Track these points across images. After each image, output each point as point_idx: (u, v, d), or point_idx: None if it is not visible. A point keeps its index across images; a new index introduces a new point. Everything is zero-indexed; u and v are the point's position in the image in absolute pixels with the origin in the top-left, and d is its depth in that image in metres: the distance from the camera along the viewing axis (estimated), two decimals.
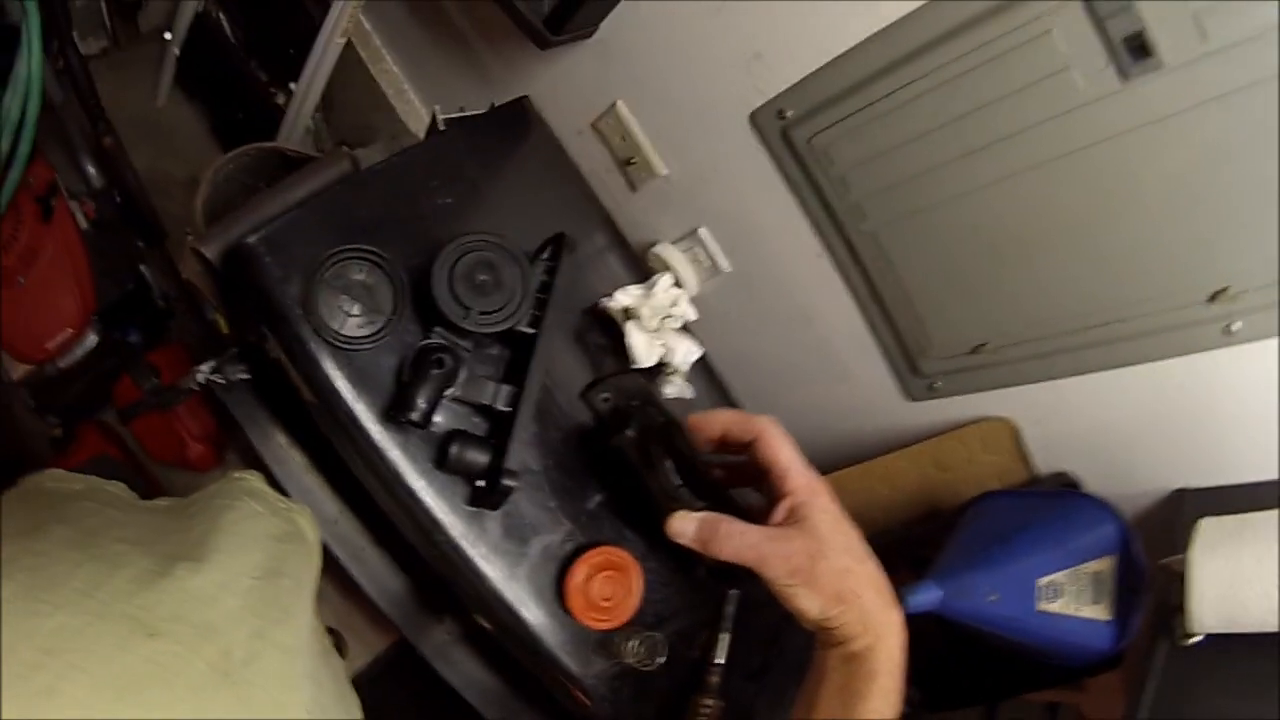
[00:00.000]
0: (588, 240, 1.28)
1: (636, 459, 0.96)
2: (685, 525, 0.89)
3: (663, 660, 1.05)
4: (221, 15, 1.90)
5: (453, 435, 0.96)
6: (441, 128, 1.25)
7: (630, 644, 1.04)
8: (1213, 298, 0.99)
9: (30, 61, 1.46)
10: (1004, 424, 1.27)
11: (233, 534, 0.93)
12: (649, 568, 1.07)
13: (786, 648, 1.21)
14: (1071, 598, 1.08)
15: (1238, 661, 0.93)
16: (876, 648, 0.81)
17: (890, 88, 1.04)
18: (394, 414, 0.93)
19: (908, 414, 1.37)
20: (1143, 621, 1.05)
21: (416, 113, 1.81)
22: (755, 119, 1.20)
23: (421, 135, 1.44)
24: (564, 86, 1.41)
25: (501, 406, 0.98)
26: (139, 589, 0.76)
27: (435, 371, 0.94)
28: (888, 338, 1.30)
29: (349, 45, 1.73)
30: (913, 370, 1.30)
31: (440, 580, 1.07)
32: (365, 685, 1.63)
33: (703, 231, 1.39)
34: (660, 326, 1.19)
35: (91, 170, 1.82)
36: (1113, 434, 1.19)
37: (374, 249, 0.96)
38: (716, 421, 0.94)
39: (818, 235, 1.26)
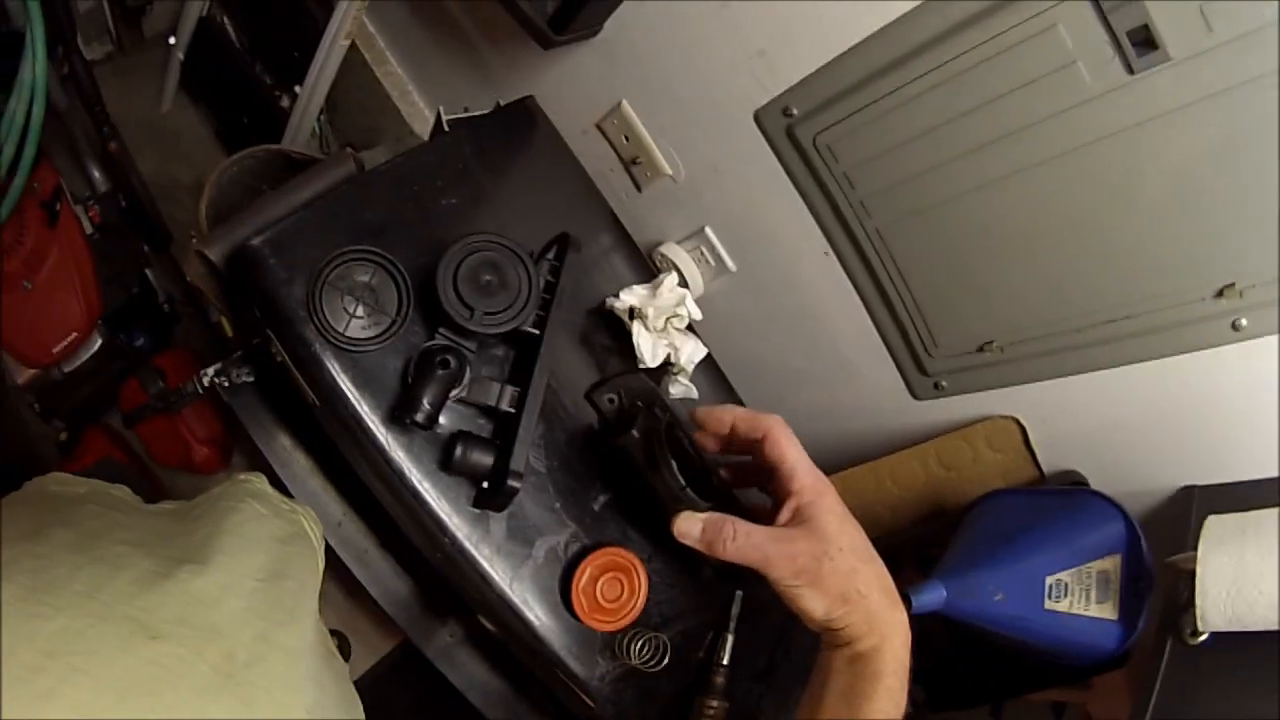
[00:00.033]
0: (593, 240, 1.28)
1: (641, 460, 0.95)
2: (690, 526, 0.89)
3: (667, 661, 1.05)
4: (226, 19, 1.91)
5: (457, 437, 0.96)
6: (446, 128, 1.25)
7: (635, 645, 1.04)
8: (1220, 293, 0.98)
9: (35, 67, 1.47)
10: (1010, 422, 1.26)
11: (236, 536, 0.92)
12: (654, 569, 1.07)
13: (792, 648, 1.21)
14: (1078, 596, 1.07)
15: (1244, 660, 0.92)
16: (882, 648, 0.81)
17: (895, 84, 1.04)
18: (399, 415, 0.93)
19: (914, 413, 1.37)
20: (1149, 620, 1.05)
21: (421, 114, 1.81)
22: (760, 117, 1.20)
23: (426, 136, 1.44)
24: (568, 86, 1.41)
25: (506, 407, 0.98)
26: (141, 591, 0.76)
27: (440, 373, 0.93)
28: (894, 336, 1.29)
29: (353, 47, 1.73)
30: (919, 369, 1.30)
31: (444, 582, 1.07)
32: (370, 687, 1.64)
33: (708, 231, 1.39)
34: (665, 326, 1.19)
35: (97, 175, 1.83)
36: (1119, 431, 1.18)
37: (378, 250, 0.96)
38: (725, 417, 0.94)
39: (823, 234, 1.25)
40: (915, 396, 1.35)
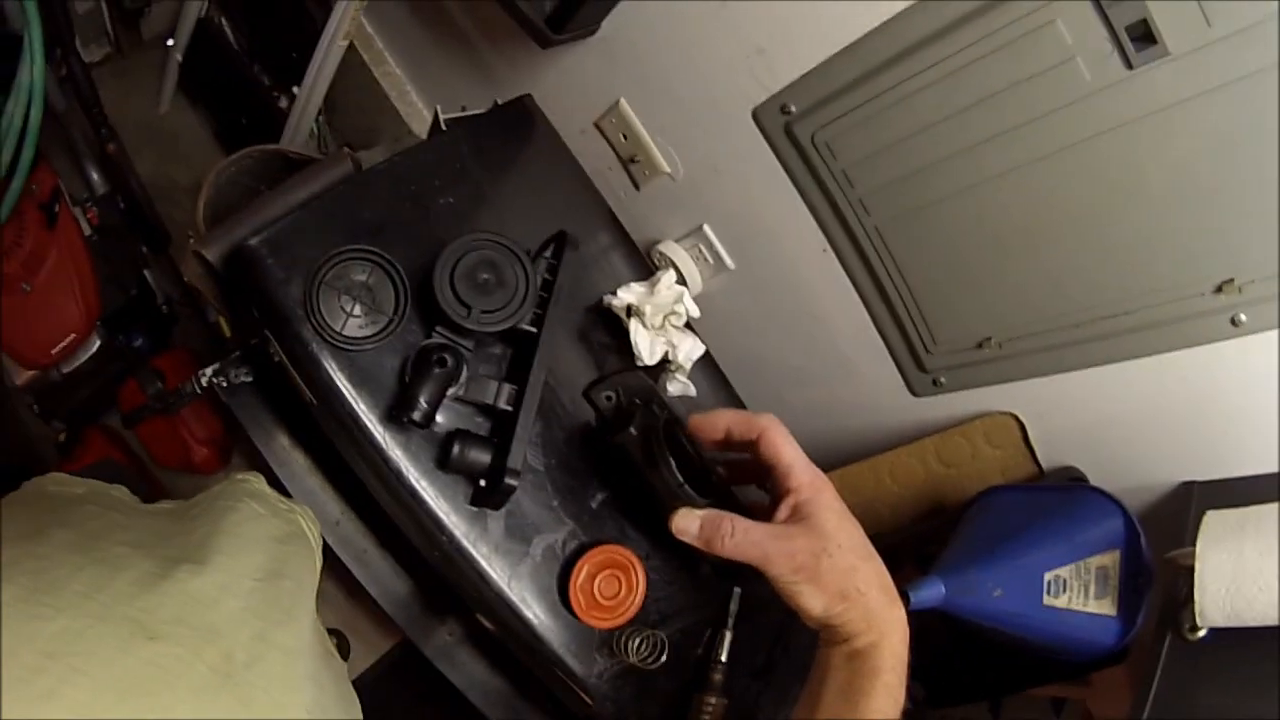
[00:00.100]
0: (591, 238, 1.28)
1: (639, 457, 0.95)
2: (689, 523, 0.89)
3: (666, 659, 1.05)
4: (224, 20, 1.91)
5: (455, 435, 0.96)
6: (444, 127, 1.25)
7: (633, 643, 1.04)
8: (1219, 289, 0.98)
9: (33, 69, 1.47)
10: (1009, 419, 1.26)
11: (234, 536, 0.92)
12: (652, 566, 1.07)
13: (790, 646, 1.20)
14: (1077, 592, 1.07)
15: (1243, 656, 0.92)
16: (880, 645, 0.81)
17: (894, 81, 1.04)
18: (396, 414, 0.93)
19: (912, 409, 1.37)
20: (1149, 616, 1.05)
21: (419, 114, 1.82)
22: (758, 115, 1.20)
23: (424, 136, 1.44)
24: (566, 85, 1.41)
25: (504, 406, 0.98)
26: (140, 591, 0.76)
27: (437, 371, 0.93)
28: (892, 333, 1.29)
29: (351, 48, 1.73)
30: (917, 365, 1.30)
31: (443, 581, 1.07)
32: (369, 686, 1.64)
33: (707, 229, 1.39)
34: (663, 324, 1.19)
35: (95, 176, 1.83)
36: (1118, 427, 1.18)
37: (376, 249, 0.96)
38: (718, 422, 0.94)
39: (822, 231, 1.25)
40: (914, 393, 1.35)
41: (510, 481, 0.93)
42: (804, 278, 1.33)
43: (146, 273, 1.87)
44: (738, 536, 0.85)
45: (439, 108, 1.27)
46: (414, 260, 0.97)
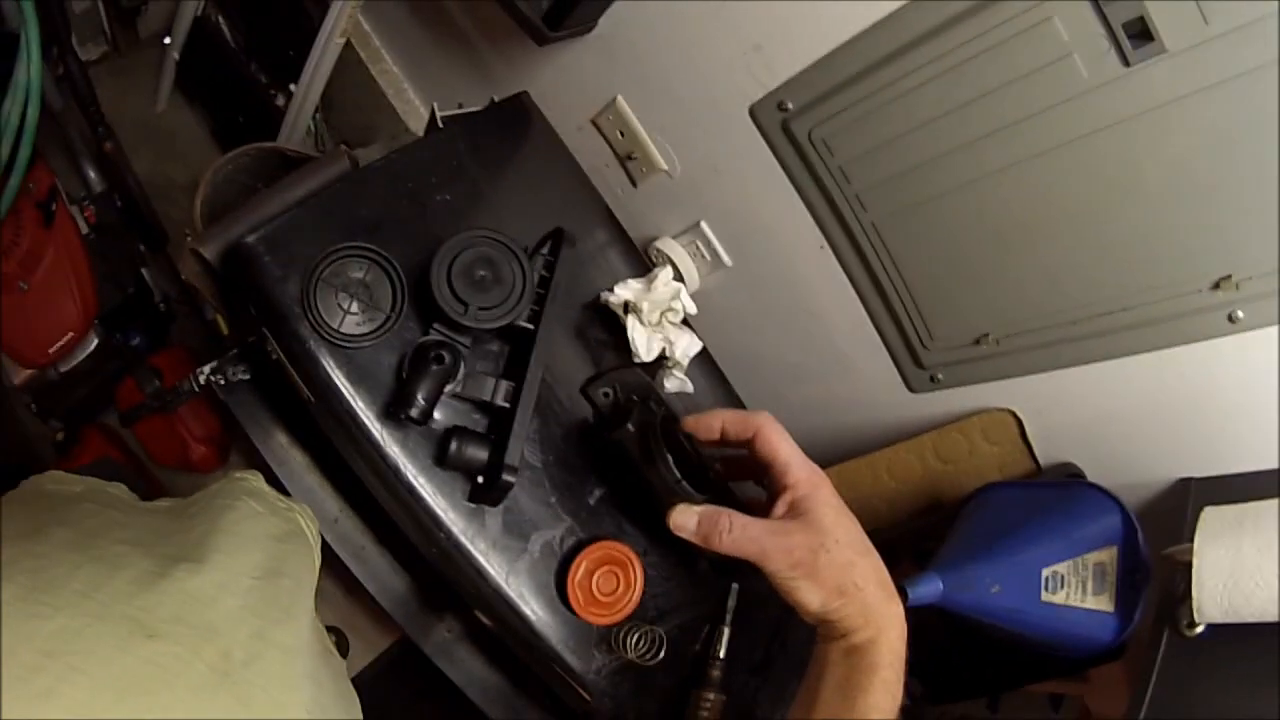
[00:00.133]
0: (588, 235, 1.28)
1: (637, 453, 0.95)
2: (686, 519, 0.89)
3: (664, 655, 1.05)
4: (221, 19, 1.90)
5: (452, 432, 0.96)
6: (440, 125, 1.25)
7: (631, 639, 1.04)
8: (1216, 285, 0.98)
9: (29, 68, 1.46)
10: (1006, 415, 1.26)
11: (233, 534, 0.92)
12: (650, 562, 1.07)
13: (788, 641, 1.20)
14: (1074, 588, 1.07)
15: (1241, 652, 0.92)
16: (878, 640, 0.81)
17: (891, 78, 1.04)
18: (394, 411, 0.93)
19: (910, 406, 1.37)
20: (1146, 612, 1.05)
21: (416, 112, 1.82)
22: (755, 112, 1.20)
23: (421, 134, 1.44)
24: (564, 82, 1.41)
25: (501, 402, 0.98)
26: (139, 590, 0.76)
27: (434, 368, 0.93)
28: (890, 329, 1.29)
29: (348, 45, 1.73)
30: (915, 362, 1.30)
31: (441, 577, 1.07)
32: (368, 683, 1.64)
33: (704, 225, 1.39)
34: (660, 321, 1.19)
35: (92, 175, 1.83)
36: (1116, 423, 1.18)
37: (373, 246, 0.96)
38: (713, 422, 0.94)
39: (819, 227, 1.25)
40: (911, 390, 1.35)
41: (508, 478, 0.93)
42: (801, 274, 1.33)
43: (144, 271, 1.87)
44: (735, 532, 0.85)
45: (436, 105, 1.27)
46: (411, 257, 0.97)
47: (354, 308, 0.95)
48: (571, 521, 1.05)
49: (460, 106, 1.29)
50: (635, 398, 1.03)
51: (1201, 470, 1.14)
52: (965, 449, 1.32)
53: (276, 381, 1.08)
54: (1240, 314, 0.98)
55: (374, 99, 1.83)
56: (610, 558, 1.02)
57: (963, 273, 1.16)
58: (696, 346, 1.24)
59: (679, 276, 1.36)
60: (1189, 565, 0.93)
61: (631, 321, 1.17)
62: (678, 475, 0.91)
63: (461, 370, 0.98)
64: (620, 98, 1.35)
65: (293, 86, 1.80)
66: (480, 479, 0.97)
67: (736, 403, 1.42)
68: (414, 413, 0.90)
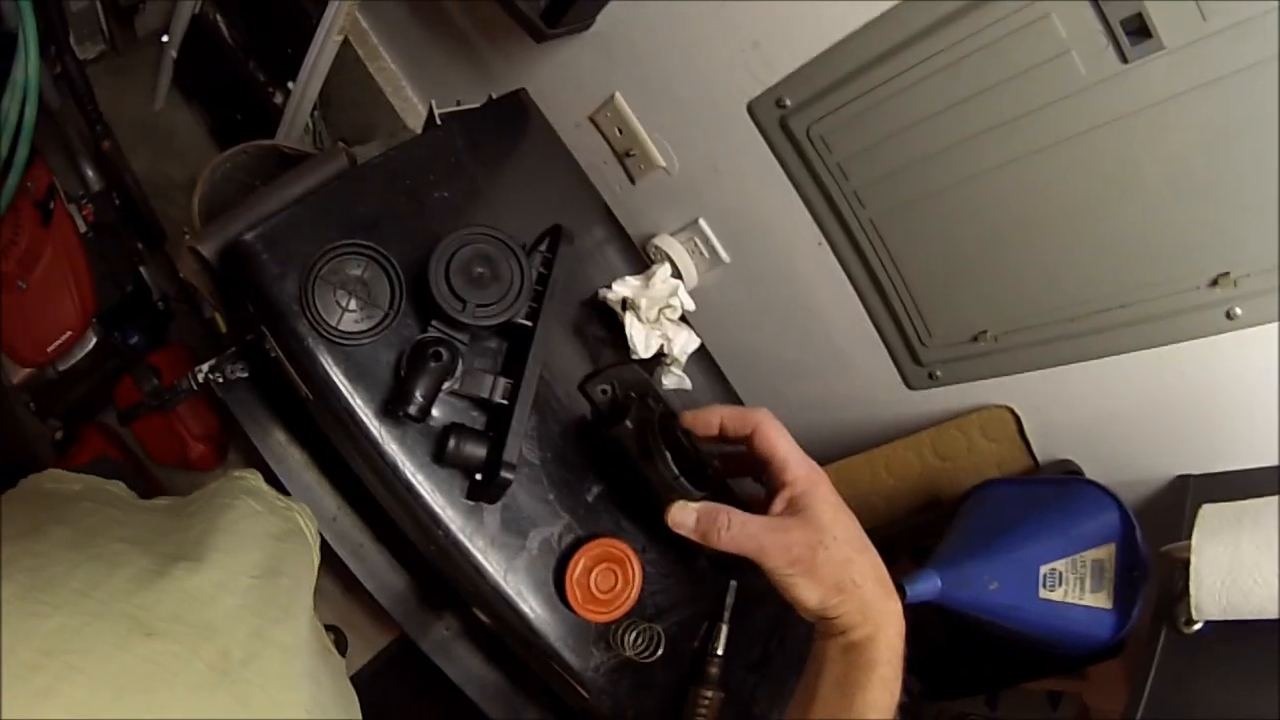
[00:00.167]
0: (586, 232, 1.28)
1: (635, 450, 0.95)
2: (684, 516, 0.89)
3: (662, 652, 1.05)
4: (218, 17, 1.90)
5: (450, 429, 0.96)
6: (438, 122, 1.25)
7: (630, 636, 1.04)
8: (1214, 282, 0.98)
9: (27, 66, 1.46)
10: (1005, 412, 1.27)
11: (231, 533, 0.92)
12: (648, 559, 1.07)
13: (787, 639, 1.21)
14: (1072, 586, 1.07)
15: (1239, 649, 0.93)
16: (876, 637, 0.81)
17: (889, 74, 1.04)
18: (392, 408, 0.93)
19: (908, 403, 1.37)
20: (1144, 609, 1.05)
21: (414, 109, 1.81)
22: (753, 109, 1.20)
23: (419, 131, 1.44)
24: (561, 79, 1.41)
25: (499, 399, 0.98)
26: (137, 588, 0.76)
27: (432, 365, 0.93)
28: (888, 326, 1.29)
29: (346, 43, 1.73)
30: (913, 359, 1.30)
31: (440, 575, 1.07)
32: (367, 681, 1.64)
33: (702, 222, 1.39)
34: (658, 317, 1.19)
35: (90, 174, 1.83)
36: (1114, 420, 1.18)
37: (371, 244, 0.96)
38: (712, 418, 0.94)
39: (817, 224, 1.25)
40: (910, 386, 1.35)
41: (506, 475, 0.93)
42: (799, 271, 1.33)
43: (142, 269, 1.87)
44: (734, 529, 0.85)
45: (434, 102, 1.27)
46: (409, 255, 0.97)
47: (352, 305, 0.95)
48: (570, 519, 1.05)
49: (458, 104, 1.30)
50: (633, 394, 1.03)
51: (1199, 467, 1.14)
52: (963, 446, 1.32)
53: (275, 379, 1.08)
54: (1238, 311, 0.98)
55: (372, 96, 1.82)
56: (608, 555, 1.03)
57: (961, 270, 1.16)
58: (694, 343, 1.24)
59: (677, 273, 1.36)
60: (1187, 562, 0.93)
61: (629, 318, 1.17)
62: (676, 472, 0.91)
63: (460, 367, 0.98)
64: (618, 95, 1.35)
65: (291, 84, 1.79)
66: (478, 476, 0.97)
67: (735, 400, 1.42)
68: (412, 410, 0.90)
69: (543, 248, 1.07)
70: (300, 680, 0.85)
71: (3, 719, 0.58)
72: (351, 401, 0.94)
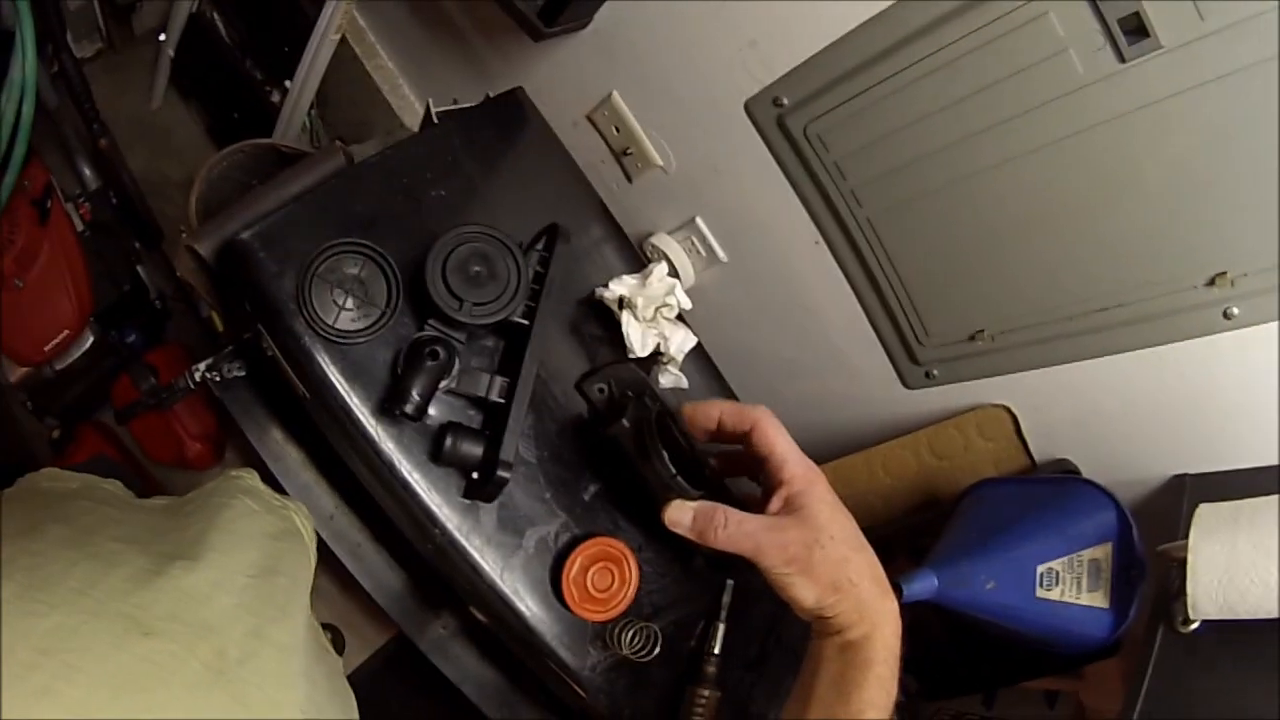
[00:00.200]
0: (583, 231, 1.28)
1: (632, 449, 0.95)
2: (681, 515, 0.89)
3: (659, 651, 1.05)
4: (216, 15, 1.90)
5: (447, 428, 0.96)
6: (435, 120, 1.25)
7: (626, 635, 1.04)
8: (1211, 282, 0.98)
9: (24, 65, 1.46)
10: (1002, 411, 1.27)
11: (228, 532, 0.93)
12: (645, 558, 1.07)
13: (784, 637, 1.21)
14: (1069, 585, 1.07)
15: (1236, 648, 0.93)
16: (873, 636, 0.81)
17: (887, 73, 1.04)
18: (388, 407, 0.93)
19: (905, 402, 1.37)
20: (1141, 608, 1.05)
21: (412, 108, 1.81)
22: (751, 107, 1.20)
23: (416, 129, 1.44)
24: (559, 78, 1.40)
25: (496, 398, 0.98)
26: (135, 588, 0.76)
27: (429, 364, 0.93)
28: (885, 325, 1.29)
29: (343, 42, 1.73)
30: (910, 358, 1.30)
31: (437, 574, 1.07)
32: (364, 680, 1.64)
33: (700, 221, 1.39)
34: (655, 316, 1.19)
35: (88, 172, 1.83)
36: (1111, 420, 1.18)
37: (368, 242, 0.96)
38: (711, 411, 0.94)
39: (814, 223, 1.25)
40: (907, 385, 1.35)
41: (502, 474, 0.93)
42: (796, 270, 1.33)
43: (139, 268, 1.87)
44: (730, 528, 0.85)
45: (431, 101, 1.27)
46: (406, 253, 0.97)
47: (349, 304, 0.95)
48: (566, 517, 1.05)
49: (455, 102, 1.29)
50: (630, 393, 1.03)
51: (1196, 467, 1.14)
52: (960, 445, 1.32)
53: (272, 378, 1.08)
54: (1235, 310, 0.98)
55: (369, 95, 1.82)
56: (605, 554, 1.02)
57: (958, 268, 1.16)
58: (691, 342, 1.24)
59: (674, 272, 1.36)
60: (1184, 562, 0.93)
61: (626, 317, 1.17)
62: (673, 471, 0.91)
63: (456, 366, 0.97)
64: (616, 93, 1.35)
65: (288, 83, 1.79)
66: (475, 475, 0.97)
67: (731, 398, 1.42)
68: (409, 409, 0.90)
69: (539, 246, 1.07)
70: (297, 679, 0.85)
71: (1, 719, 0.58)
72: (348, 400, 0.94)
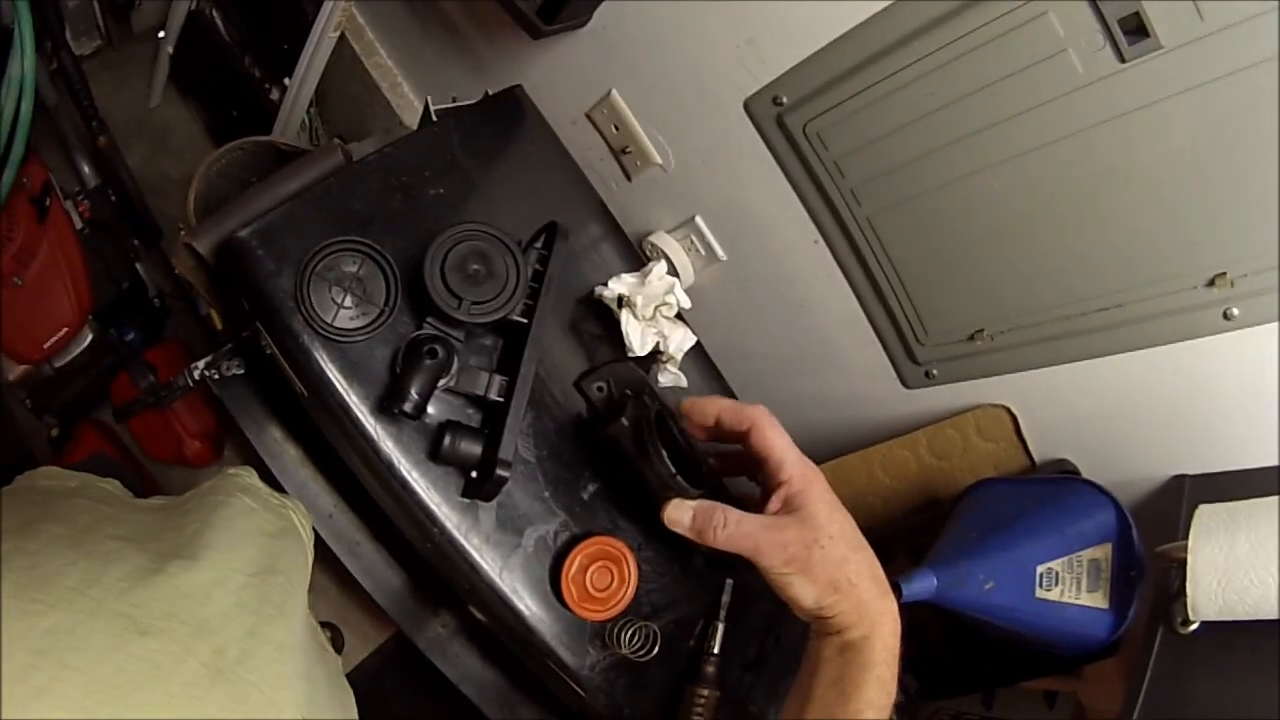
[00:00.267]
0: (582, 230, 1.28)
1: (631, 448, 0.95)
2: (681, 514, 0.89)
3: (658, 651, 1.05)
4: (215, 13, 1.90)
5: (446, 426, 0.95)
6: (434, 118, 1.25)
7: (625, 634, 1.04)
8: (1211, 282, 0.98)
9: (23, 62, 1.46)
10: (1001, 411, 1.26)
11: (226, 531, 0.93)
12: (644, 558, 1.07)
13: (783, 638, 1.21)
14: (1069, 585, 1.07)
15: (1235, 649, 0.93)
16: (872, 637, 0.81)
17: (886, 72, 1.03)
18: (387, 405, 0.93)
19: (905, 402, 1.37)
20: (1141, 609, 1.05)
21: (411, 106, 1.81)
22: (750, 106, 1.19)
23: (415, 127, 1.44)
24: (558, 76, 1.40)
25: (495, 397, 0.98)
26: (132, 587, 0.76)
27: (428, 362, 0.93)
28: (884, 324, 1.29)
29: (342, 39, 1.73)
30: (909, 357, 1.30)
31: (435, 573, 1.07)
32: (363, 679, 1.64)
33: (699, 220, 1.39)
34: (654, 315, 1.19)
35: (86, 170, 1.83)
36: (1111, 420, 1.18)
37: (366, 240, 0.95)
38: (710, 409, 0.93)
39: (814, 222, 1.25)
40: (906, 385, 1.35)
41: (501, 473, 0.93)
42: (796, 269, 1.33)
43: (138, 266, 1.87)
44: (730, 528, 0.85)
45: (430, 98, 1.27)
46: (405, 251, 0.97)
47: (347, 302, 0.94)
48: (565, 516, 1.05)
49: (454, 100, 1.29)
50: (629, 392, 1.03)
51: (1196, 467, 1.14)
52: (960, 445, 1.32)
53: (270, 376, 1.08)
54: (1235, 311, 0.98)
55: (368, 93, 1.82)
56: (604, 553, 1.02)
57: (957, 268, 1.16)
58: (690, 341, 1.23)
59: (673, 271, 1.36)
60: (1183, 562, 0.93)
61: (625, 316, 1.17)
62: (672, 470, 0.91)
63: (455, 365, 0.97)
64: (615, 92, 1.34)
65: (287, 80, 1.79)
66: (474, 474, 0.97)
67: (730, 397, 1.42)
68: (407, 407, 0.90)
69: (538, 245, 1.07)
70: (295, 678, 0.85)
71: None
72: (347, 398, 0.94)
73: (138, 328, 1.86)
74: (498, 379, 0.98)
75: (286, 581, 0.93)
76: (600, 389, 1.10)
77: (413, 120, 1.74)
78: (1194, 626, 0.95)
